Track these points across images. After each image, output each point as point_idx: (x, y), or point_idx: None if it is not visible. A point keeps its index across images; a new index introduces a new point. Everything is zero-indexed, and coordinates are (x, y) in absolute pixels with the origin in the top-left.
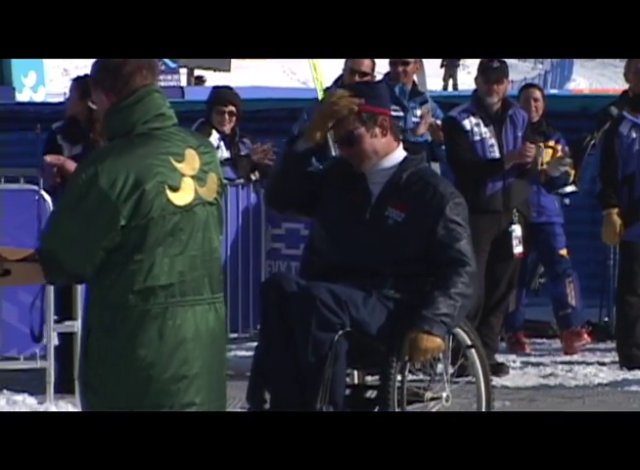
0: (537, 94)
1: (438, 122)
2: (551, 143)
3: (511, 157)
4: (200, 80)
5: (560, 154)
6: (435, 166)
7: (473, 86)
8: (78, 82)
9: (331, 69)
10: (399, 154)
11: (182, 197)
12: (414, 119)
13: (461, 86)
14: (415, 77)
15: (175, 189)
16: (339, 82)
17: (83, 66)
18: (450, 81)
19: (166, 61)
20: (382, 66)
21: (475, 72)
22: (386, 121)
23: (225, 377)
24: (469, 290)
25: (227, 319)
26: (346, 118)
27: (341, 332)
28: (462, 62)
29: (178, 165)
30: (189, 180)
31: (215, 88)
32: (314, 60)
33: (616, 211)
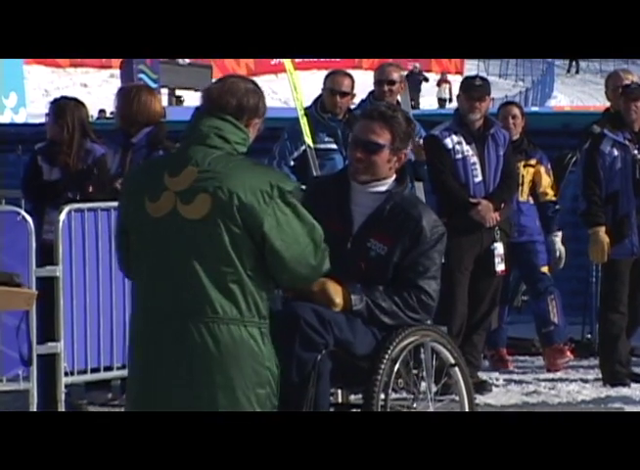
0: (516, 111)
1: (420, 142)
2: (532, 161)
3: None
4: (178, 100)
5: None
6: (419, 186)
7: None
8: (53, 104)
9: (311, 88)
10: (389, 182)
11: (158, 209)
12: None
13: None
14: (399, 97)
15: (154, 200)
16: (318, 102)
17: (64, 86)
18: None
19: (147, 81)
20: (367, 85)
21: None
22: (405, 157)
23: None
24: (415, 315)
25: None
26: (381, 130)
27: (324, 351)
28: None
29: (168, 179)
30: (170, 195)
31: (198, 108)
32: (295, 79)
33: (603, 229)
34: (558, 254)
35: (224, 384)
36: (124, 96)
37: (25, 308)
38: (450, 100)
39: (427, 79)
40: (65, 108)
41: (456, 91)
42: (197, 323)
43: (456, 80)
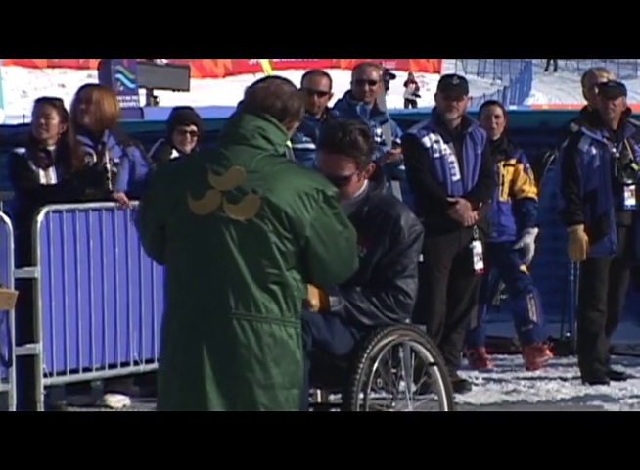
0: (498, 111)
1: (398, 142)
2: (512, 161)
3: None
4: (154, 100)
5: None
6: (396, 185)
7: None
8: (57, 106)
9: None
10: (364, 187)
11: (202, 206)
12: (375, 139)
13: (420, 103)
14: (376, 96)
15: (197, 197)
16: None
17: (42, 87)
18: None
19: (125, 81)
20: (345, 84)
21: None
22: (373, 168)
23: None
24: (394, 315)
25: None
26: (344, 162)
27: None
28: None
29: (213, 177)
30: (216, 193)
31: (176, 108)
32: None
33: (581, 227)
34: (521, 244)
35: (265, 382)
36: (102, 98)
37: (6, 309)
38: (418, 96)
39: (394, 77)
40: (65, 109)
41: (424, 90)
42: (241, 321)
43: (434, 80)
